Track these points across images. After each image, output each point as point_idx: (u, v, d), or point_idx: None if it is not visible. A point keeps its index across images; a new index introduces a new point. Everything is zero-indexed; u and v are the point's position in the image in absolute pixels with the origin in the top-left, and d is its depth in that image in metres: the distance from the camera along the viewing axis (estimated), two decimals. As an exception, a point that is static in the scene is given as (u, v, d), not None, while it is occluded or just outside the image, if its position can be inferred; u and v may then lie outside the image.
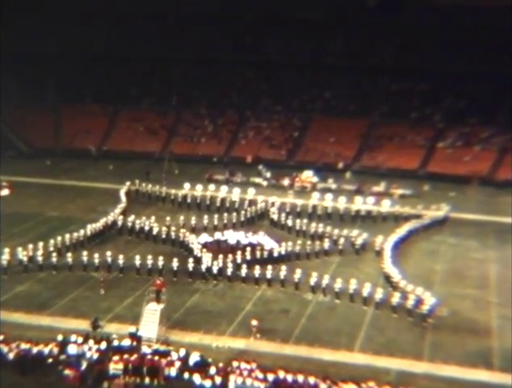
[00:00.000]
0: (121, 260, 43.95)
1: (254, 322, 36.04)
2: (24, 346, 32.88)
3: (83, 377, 31.53)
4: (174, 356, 32.66)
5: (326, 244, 48.74)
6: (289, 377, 30.91)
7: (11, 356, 32.59)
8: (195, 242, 47.80)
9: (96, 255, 44.22)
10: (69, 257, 44.55)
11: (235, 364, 32.00)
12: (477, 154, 73.34)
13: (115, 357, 32.05)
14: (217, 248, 47.55)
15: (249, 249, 46.18)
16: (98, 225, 50.69)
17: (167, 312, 36.77)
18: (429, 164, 74.34)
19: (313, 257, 47.83)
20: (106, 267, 43.87)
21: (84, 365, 31.97)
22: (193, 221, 52.90)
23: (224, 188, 60.71)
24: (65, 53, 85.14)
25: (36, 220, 55.11)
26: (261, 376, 31.12)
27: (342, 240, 49.18)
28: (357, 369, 33.12)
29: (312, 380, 30.68)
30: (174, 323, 37.20)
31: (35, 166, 74.01)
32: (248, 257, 45.11)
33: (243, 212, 55.74)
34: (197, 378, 31.15)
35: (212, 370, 31.49)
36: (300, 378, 30.81)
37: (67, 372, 31.72)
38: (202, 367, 31.84)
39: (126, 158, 76.14)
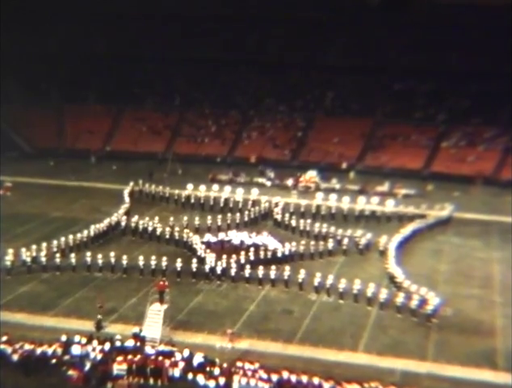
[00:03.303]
0: (125, 261, 43.95)
1: (229, 331, 35.73)
2: (28, 347, 32.93)
3: (87, 378, 31.53)
4: (178, 356, 32.65)
5: (330, 244, 48.62)
6: (293, 378, 30.88)
7: (15, 356, 32.60)
8: (199, 242, 47.75)
9: (100, 256, 44.27)
10: (73, 258, 44.56)
11: (239, 364, 31.98)
12: (481, 154, 73.16)
13: (119, 358, 32.07)
14: (221, 248, 47.49)
15: (252, 249, 46.12)
16: (102, 225, 50.71)
17: (171, 312, 36.78)
18: (433, 164, 74.19)
19: (317, 257, 47.76)
20: (109, 267, 43.98)
21: (88, 366, 32.03)
22: (196, 221, 52.86)
23: (227, 188, 60.64)
24: (68, 53, 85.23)
25: (40, 220, 55.13)
26: (265, 376, 31.07)
27: (345, 240, 49.12)
28: (361, 369, 33.08)
29: (316, 380, 30.64)
30: (177, 324, 37.19)
31: (39, 166, 74.02)
32: (252, 257, 45.07)
33: (247, 212, 55.69)
34: (201, 379, 31.12)
35: (216, 371, 31.45)
36: (304, 379, 30.78)
37: (71, 372, 31.74)
38: (207, 365, 31.81)
39: (129, 159, 76.03)
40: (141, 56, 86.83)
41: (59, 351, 32.95)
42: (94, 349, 32.96)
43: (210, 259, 44.20)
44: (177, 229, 50.38)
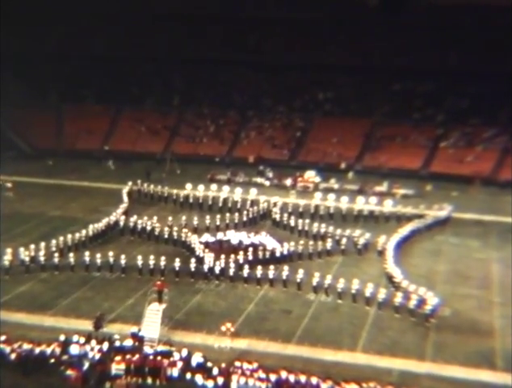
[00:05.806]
0: (123, 260, 43.94)
1: (228, 325, 35.65)
2: (26, 346, 32.86)
3: (85, 378, 31.47)
4: (176, 356, 32.61)
5: (328, 244, 48.62)
6: (291, 378, 30.86)
7: (13, 356, 32.58)
8: (197, 242, 47.74)
9: (98, 256, 44.24)
10: (71, 257, 44.51)
11: (237, 364, 31.96)
12: (480, 154, 73.22)
13: (117, 358, 32.04)
14: (219, 248, 47.45)
15: (251, 249, 46.11)
16: (100, 225, 50.66)
17: (169, 312, 36.79)
18: (431, 164, 74.25)
19: (316, 257, 47.74)
20: (108, 267, 43.96)
21: (86, 366, 31.95)
22: (195, 221, 52.85)
23: (226, 188, 60.66)
24: (67, 53, 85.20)
25: (38, 220, 55.09)
26: (263, 376, 31.06)
27: (344, 240, 49.09)
28: (359, 369, 33.06)
29: (314, 380, 30.63)
30: (176, 324, 37.15)
31: (37, 166, 74.02)
32: (250, 257, 45.06)
33: (245, 212, 55.69)
34: (199, 379, 31.11)
35: (215, 371, 31.44)
36: (303, 378, 30.75)
37: (69, 372, 31.69)
38: (203, 370, 31.83)
39: (128, 159, 76.09)
40: (140, 56, 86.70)
41: (57, 350, 32.88)
42: (92, 349, 32.91)
43: (208, 258, 44.17)
44: (175, 228, 50.35)
